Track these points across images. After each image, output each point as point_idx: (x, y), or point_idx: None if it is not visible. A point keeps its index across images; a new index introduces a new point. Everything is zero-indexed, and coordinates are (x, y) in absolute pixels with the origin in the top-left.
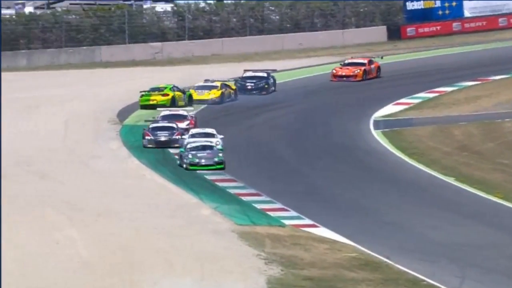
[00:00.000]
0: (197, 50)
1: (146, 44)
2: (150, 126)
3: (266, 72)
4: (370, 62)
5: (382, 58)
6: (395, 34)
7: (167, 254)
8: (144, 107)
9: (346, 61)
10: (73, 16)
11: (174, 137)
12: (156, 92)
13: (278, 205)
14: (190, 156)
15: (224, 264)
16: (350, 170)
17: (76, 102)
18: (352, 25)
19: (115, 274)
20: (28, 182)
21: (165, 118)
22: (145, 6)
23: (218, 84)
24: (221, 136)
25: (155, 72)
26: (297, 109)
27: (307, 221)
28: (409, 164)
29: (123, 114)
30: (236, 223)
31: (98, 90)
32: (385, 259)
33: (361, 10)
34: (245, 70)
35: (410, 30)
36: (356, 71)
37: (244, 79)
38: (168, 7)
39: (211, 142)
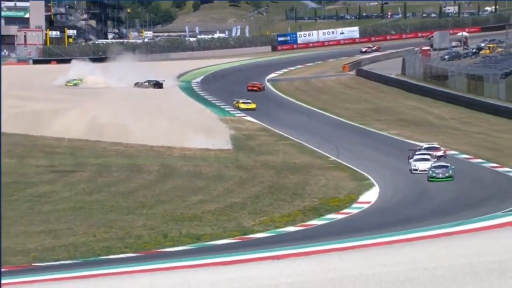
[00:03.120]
0: None
1: None
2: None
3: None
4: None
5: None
6: (274, 49)
7: (186, 126)
8: None
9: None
10: None
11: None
12: None
13: (232, 109)
14: (430, 172)
15: (213, 129)
16: (259, 98)
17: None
18: (246, 45)
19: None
20: (142, 99)
21: (427, 149)
22: None
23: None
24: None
25: None
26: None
27: (243, 115)
28: (280, 95)
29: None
30: (219, 115)
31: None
32: (271, 127)
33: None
34: None
35: (280, 48)
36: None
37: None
38: None
39: (445, 163)
